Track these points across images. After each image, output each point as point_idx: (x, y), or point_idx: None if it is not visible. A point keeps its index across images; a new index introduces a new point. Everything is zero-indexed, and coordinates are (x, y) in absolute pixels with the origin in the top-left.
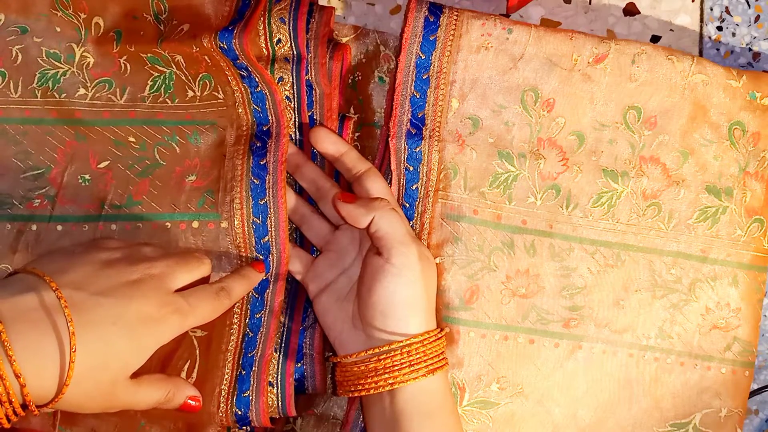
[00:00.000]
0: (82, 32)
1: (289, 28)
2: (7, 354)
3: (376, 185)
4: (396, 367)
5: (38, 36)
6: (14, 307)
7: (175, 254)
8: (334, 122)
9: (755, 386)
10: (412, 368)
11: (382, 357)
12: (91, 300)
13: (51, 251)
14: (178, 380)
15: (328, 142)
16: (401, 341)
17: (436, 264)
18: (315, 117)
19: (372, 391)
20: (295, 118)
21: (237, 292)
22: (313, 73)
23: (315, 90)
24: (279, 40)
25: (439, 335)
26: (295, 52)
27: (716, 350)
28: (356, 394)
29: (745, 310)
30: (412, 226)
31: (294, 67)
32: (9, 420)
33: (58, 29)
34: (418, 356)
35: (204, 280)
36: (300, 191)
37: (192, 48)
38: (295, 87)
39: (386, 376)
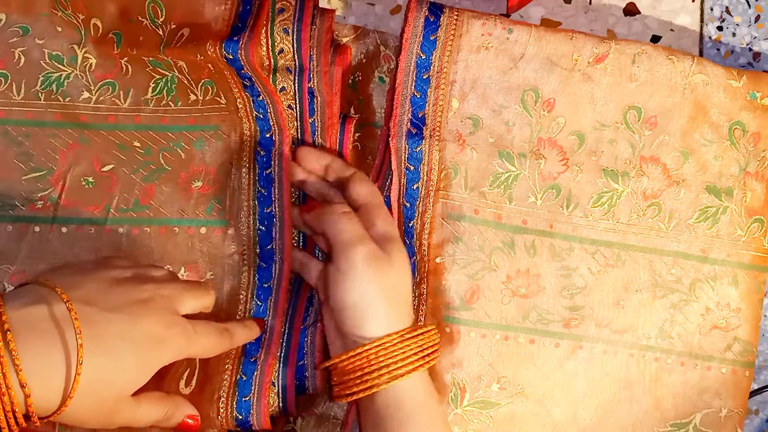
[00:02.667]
0: (82, 32)
1: (292, 39)
2: (14, 363)
3: (359, 188)
4: (357, 375)
5: (40, 37)
6: (24, 317)
7: (183, 280)
8: (335, 127)
9: (755, 386)
10: (372, 376)
11: (342, 364)
12: (101, 315)
13: (62, 265)
14: (177, 399)
15: (311, 159)
16: (355, 349)
17: (437, 264)
18: (316, 124)
19: (340, 400)
20: (297, 125)
21: (238, 337)
22: (315, 81)
23: (317, 98)
24: (282, 50)
25: (406, 336)
26: (297, 62)
27: (716, 350)
28: (338, 401)
29: (745, 310)
30: (412, 226)
31: (296, 77)
32: (11, 430)
33: (59, 29)
34: (379, 360)
35: (202, 316)
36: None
37: (196, 56)
38: (297, 96)
39: (350, 384)
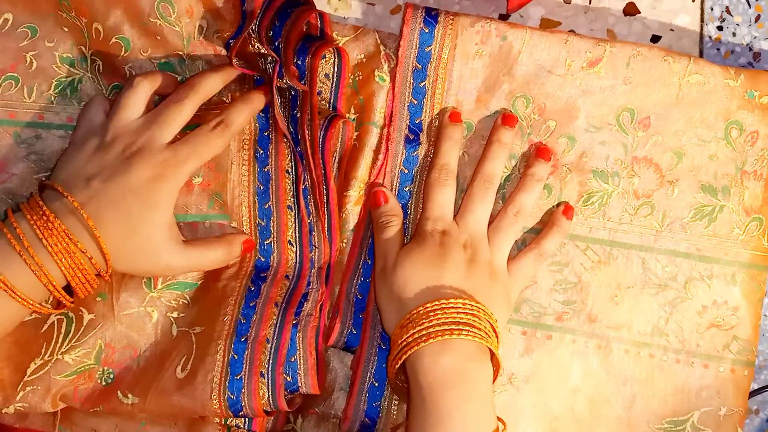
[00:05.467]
0: (86, 34)
1: (260, 37)
2: (70, 239)
3: None
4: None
5: (49, 39)
6: (59, 209)
7: (152, 113)
8: (316, 119)
9: (756, 386)
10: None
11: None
12: (101, 186)
13: (57, 166)
14: (227, 236)
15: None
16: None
17: None
18: (298, 115)
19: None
20: (271, 114)
21: (238, 121)
22: (286, 77)
23: (299, 91)
24: (258, 47)
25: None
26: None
27: (714, 349)
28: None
29: (744, 309)
30: (406, 225)
31: (272, 69)
32: (91, 285)
33: (66, 29)
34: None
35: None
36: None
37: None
38: (272, 86)
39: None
